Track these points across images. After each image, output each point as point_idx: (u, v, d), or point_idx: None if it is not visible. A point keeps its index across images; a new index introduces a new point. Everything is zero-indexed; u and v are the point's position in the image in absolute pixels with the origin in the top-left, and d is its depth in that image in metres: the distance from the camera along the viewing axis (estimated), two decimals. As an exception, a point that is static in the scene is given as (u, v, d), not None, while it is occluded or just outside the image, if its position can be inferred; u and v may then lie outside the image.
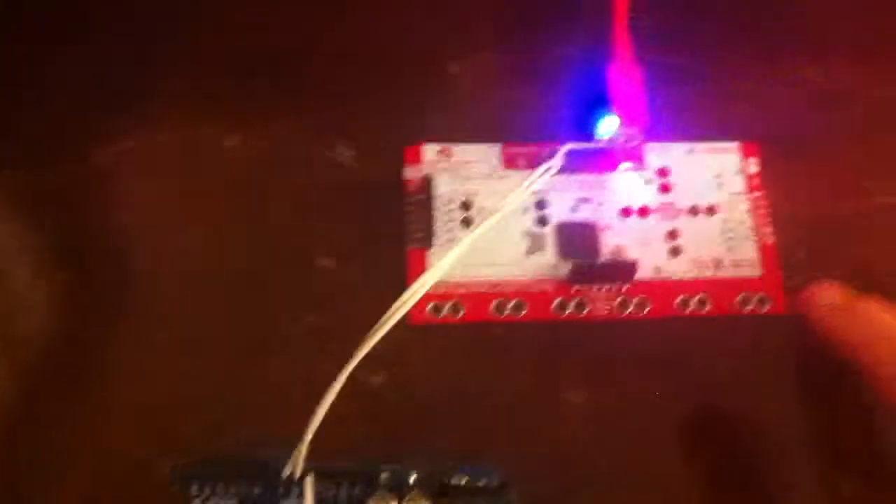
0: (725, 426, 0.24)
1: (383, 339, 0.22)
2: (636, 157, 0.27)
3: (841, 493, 0.24)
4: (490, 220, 0.22)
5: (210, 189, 0.26)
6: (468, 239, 0.22)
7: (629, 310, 0.25)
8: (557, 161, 0.25)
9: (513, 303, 0.25)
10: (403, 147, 0.27)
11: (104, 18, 0.28)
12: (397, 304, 0.22)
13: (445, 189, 0.26)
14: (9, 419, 0.24)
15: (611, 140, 0.26)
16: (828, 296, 0.23)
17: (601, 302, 0.25)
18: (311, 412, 0.21)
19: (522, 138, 0.27)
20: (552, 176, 0.26)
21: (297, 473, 0.21)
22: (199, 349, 0.24)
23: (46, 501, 0.23)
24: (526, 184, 0.23)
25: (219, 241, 0.26)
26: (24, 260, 0.25)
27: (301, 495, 0.21)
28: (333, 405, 0.21)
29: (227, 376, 0.24)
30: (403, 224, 0.26)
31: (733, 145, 0.28)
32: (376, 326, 0.21)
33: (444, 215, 0.26)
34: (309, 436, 0.20)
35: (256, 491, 0.21)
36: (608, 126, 0.26)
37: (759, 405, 0.24)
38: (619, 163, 0.27)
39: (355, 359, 0.21)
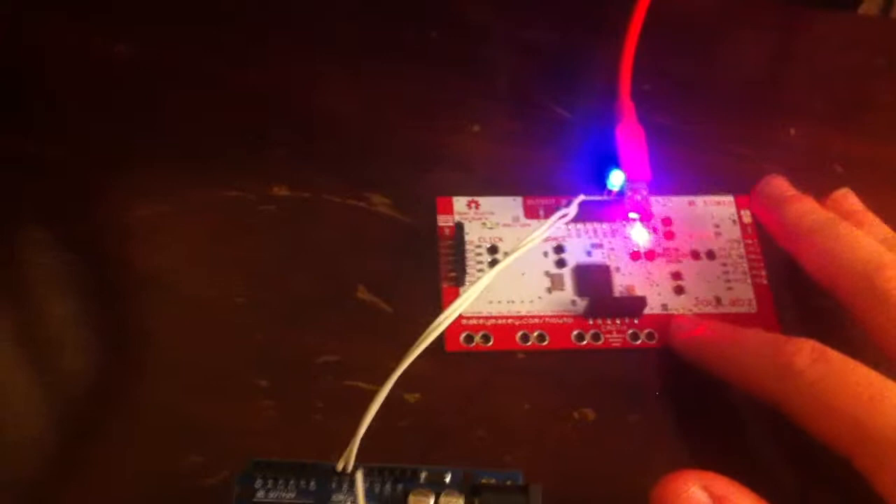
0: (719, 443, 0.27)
1: (422, 363, 0.26)
2: (643, 209, 0.30)
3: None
4: (513, 255, 0.26)
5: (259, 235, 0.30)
6: (495, 270, 0.26)
7: (640, 340, 0.28)
8: (573, 209, 0.29)
9: (536, 333, 0.28)
10: (436, 198, 0.30)
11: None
12: (432, 326, 0.25)
13: (474, 236, 0.30)
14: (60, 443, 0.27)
15: (619, 192, 0.30)
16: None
17: (614, 333, 0.28)
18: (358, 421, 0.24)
19: (541, 192, 0.31)
20: (568, 224, 0.30)
21: (349, 467, 0.23)
22: (246, 369, 0.27)
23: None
24: (545, 226, 0.27)
25: (269, 280, 0.29)
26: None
27: (351, 489, 0.23)
28: (377, 419, 0.24)
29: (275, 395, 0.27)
30: (438, 266, 0.29)
31: (729, 198, 0.31)
32: (414, 346, 0.25)
33: (474, 258, 0.29)
34: (360, 434, 0.23)
35: (312, 485, 0.24)
36: (616, 179, 0.29)
37: (751, 421, 0.27)
38: (628, 213, 0.30)
39: (396, 372, 0.24)
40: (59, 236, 0.30)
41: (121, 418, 0.27)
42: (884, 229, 0.27)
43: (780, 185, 0.30)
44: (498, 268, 0.26)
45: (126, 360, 0.28)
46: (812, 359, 0.23)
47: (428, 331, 0.24)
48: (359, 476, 0.23)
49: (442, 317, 0.24)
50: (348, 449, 0.23)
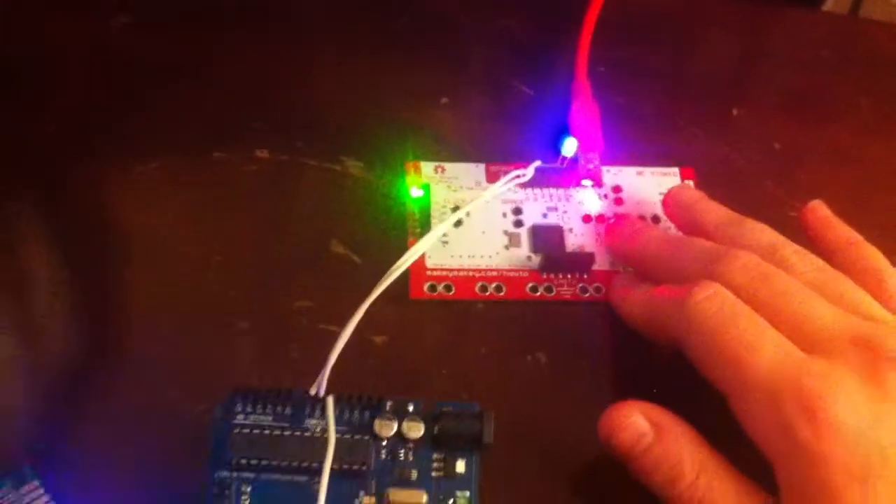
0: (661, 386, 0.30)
1: (389, 309, 0.28)
2: (595, 177, 0.33)
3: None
4: (471, 204, 0.29)
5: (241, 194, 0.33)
6: (453, 218, 0.29)
7: (588, 294, 0.31)
8: (530, 171, 0.32)
9: (494, 285, 0.31)
10: (405, 163, 0.33)
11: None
12: (394, 267, 0.28)
13: (439, 197, 0.32)
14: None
15: (573, 160, 0.33)
16: (631, 430, 0.25)
17: (566, 287, 0.31)
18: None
19: (503, 160, 0.34)
20: (526, 188, 0.32)
21: (322, 392, 0.26)
22: (225, 314, 0.30)
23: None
24: (502, 181, 0.30)
25: (250, 234, 0.32)
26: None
27: (323, 414, 0.26)
28: (344, 359, 0.26)
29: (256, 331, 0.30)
30: (405, 223, 0.32)
31: (674, 170, 0.34)
32: (378, 284, 0.27)
33: (438, 217, 0.32)
34: (331, 361, 0.26)
35: (287, 410, 0.26)
36: (569, 147, 0.32)
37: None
38: (581, 180, 0.33)
39: (364, 305, 0.26)
40: (53, 195, 0.33)
41: (105, 358, 0.29)
42: (722, 211, 0.30)
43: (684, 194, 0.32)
44: (455, 216, 0.29)
45: (111, 307, 0.30)
46: (707, 296, 0.25)
47: (390, 270, 0.27)
48: (329, 401, 0.26)
49: (402, 259, 0.27)
50: (320, 375, 0.26)
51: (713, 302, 0.25)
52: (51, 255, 0.31)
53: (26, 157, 0.33)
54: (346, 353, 0.27)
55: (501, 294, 0.31)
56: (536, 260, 0.31)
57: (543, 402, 0.29)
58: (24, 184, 0.32)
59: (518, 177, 0.31)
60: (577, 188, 0.33)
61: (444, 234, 0.31)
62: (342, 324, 0.28)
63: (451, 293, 0.31)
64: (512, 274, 0.31)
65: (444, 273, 0.31)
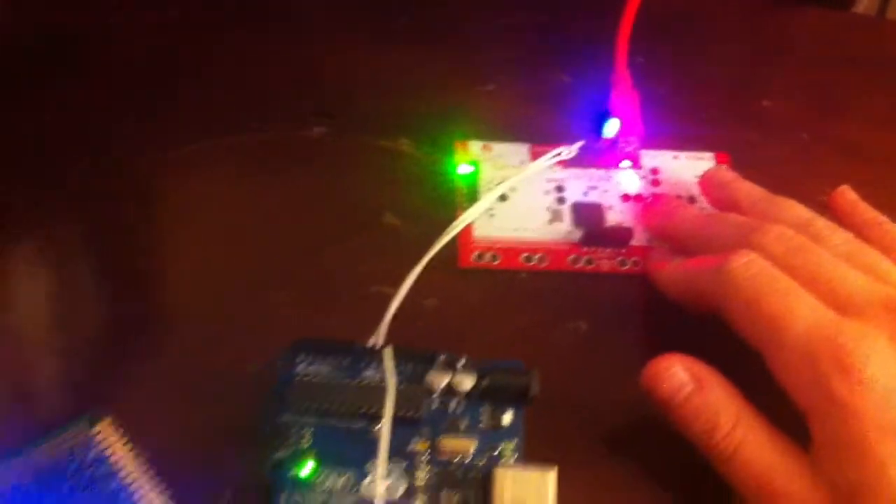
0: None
1: (439, 276, 0.30)
2: (634, 159, 0.35)
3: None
4: (516, 177, 0.31)
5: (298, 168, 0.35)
6: (497, 191, 0.31)
7: (627, 266, 0.33)
8: (574, 149, 0.33)
9: (537, 256, 0.33)
10: (455, 142, 0.35)
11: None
12: (444, 233, 0.30)
13: (486, 174, 0.34)
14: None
15: (613, 141, 0.35)
16: (672, 380, 0.27)
17: (605, 260, 0.33)
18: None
19: (545, 141, 0.35)
20: (568, 167, 0.34)
21: (380, 343, 0.28)
22: (278, 277, 0.32)
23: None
24: (547, 156, 0.32)
25: (306, 206, 0.34)
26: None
27: (380, 366, 0.28)
28: (397, 320, 0.28)
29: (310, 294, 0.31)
30: (454, 197, 0.34)
31: (709, 154, 0.36)
32: (429, 249, 0.29)
33: (486, 191, 0.34)
34: (389, 314, 0.27)
35: (346, 361, 0.28)
36: (611, 127, 0.34)
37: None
38: (620, 161, 0.35)
39: (420, 264, 0.28)
40: (98, 162, 0.35)
41: (162, 323, 0.31)
42: (756, 189, 0.31)
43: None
44: (501, 187, 0.31)
45: (166, 273, 0.32)
46: (744, 262, 0.27)
47: (440, 237, 0.29)
48: (388, 352, 0.28)
49: (452, 226, 0.29)
50: (378, 328, 0.28)
51: (750, 268, 0.27)
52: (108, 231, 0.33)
53: (76, 128, 0.35)
54: (398, 315, 0.28)
55: (544, 265, 0.32)
56: (577, 234, 0.33)
57: (584, 367, 0.31)
58: (78, 150, 0.34)
59: (561, 154, 0.33)
60: (617, 169, 0.35)
61: (492, 209, 0.33)
62: (393, 286, 0.30)
63: (496, 262, 0.32)
64: (554, 246, 0.33)
65: (491, 244, 0.33)
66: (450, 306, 0.31)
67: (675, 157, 0.36)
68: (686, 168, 0.35)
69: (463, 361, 0.28)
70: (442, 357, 0.28)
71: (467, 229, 0.32)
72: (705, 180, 0.33)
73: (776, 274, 0.27)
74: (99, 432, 0.27)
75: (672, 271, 0.31)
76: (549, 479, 0.26)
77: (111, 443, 0.26)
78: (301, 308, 0.31)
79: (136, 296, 0.32)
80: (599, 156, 0.35)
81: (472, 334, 0.31)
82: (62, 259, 0.32)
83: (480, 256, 0.32)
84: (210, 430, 0.28)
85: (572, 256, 0.33)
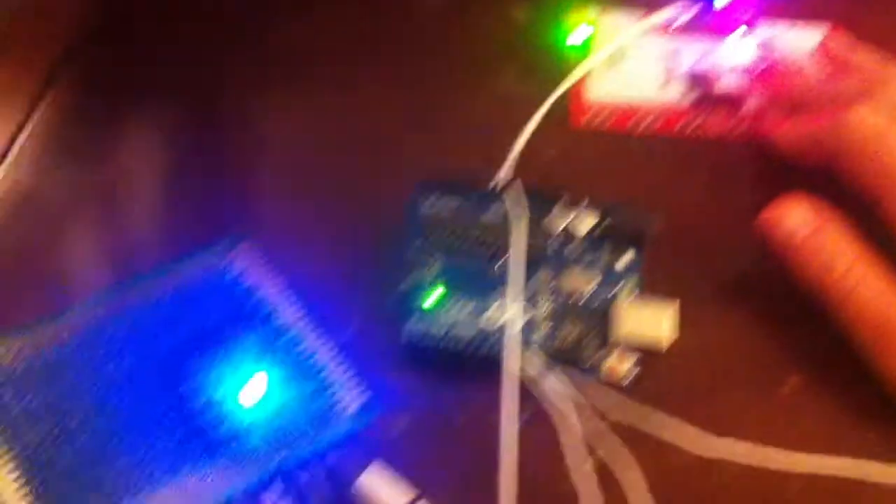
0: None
1: (554, 135, 0.31)
2: (748, 26, 0.35)
3: None
4: (630, 41, 0.32)
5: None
6: (611, 48, 0.33)
7: (739, 131, 0.33)
8: (688, 16, 0.34)
9: (649, 118, 0.33)
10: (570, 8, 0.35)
11: None
12: (558, 87, 0.31)
13: (601, 39, 0.35)
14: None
15: (728, 10, 0.35)
16: (793, 219, 0.27)
17: (717, 125, 0.33)
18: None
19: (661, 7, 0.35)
20: (683, 34, 0.34)
21: (509, 177, 0.29)
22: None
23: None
24: (660, 23, 0.33)
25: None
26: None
27: (502, 206, 0.29)
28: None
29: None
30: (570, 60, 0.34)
31: (824, 25, 0.36)
32: (545, 101, 0.31)
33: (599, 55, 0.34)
34: (511, 157, 0.28)
35: (471, 200, 0.29)
36: (723, -4, 0.34)
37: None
38: (735, 29, 0.35)
39: (536, 115, 0.29)
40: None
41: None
42: (874, 53, 0.31)
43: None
44: (615, 44, 0.32)
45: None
46: (862, 114, 0.27)
47: (555, 91, 0.30)
48: (517, 184, 0.29)
49: (566, 80, 0.31)
50: (503, 167, 0.29)
51: (868, 119, 0.27)
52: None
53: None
54: (515, 167, 0.29)
55: (656, 126, 0.33)
56: (690, 98, 0.33)
57: (700, 219, 0.31)
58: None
59: (675, 20, 0.33)
60: (731, 37, 0.35)
61: (605, 73, 0.34)
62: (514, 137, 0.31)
63: (608, 123, 0.33)
64: (666, 110, 0.33)
65: (604, 106, 0.33)
66: (564, 163, 0.32)
67: (790, 27, 0.35)
68: (801, 39, 0.35)
69: (586, 201, 0.29)
70: (565, 196, 0.29)
71: (580, 91, 0.33)
72: (823, 45, 0.33)
73: (894, 124, 0.27)
74: (239, 254, 0.28)
75: (787, 129, 0.31)
76: (668, 314, 0.27)
77: (250, 265, 0.28)
78: (427, 153, 0.32)
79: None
80: (713, 23, 0.35)
81: (586, 188, 0.32)
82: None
83: (593, 118, 0.33)
84: (345, 265, 0.30)
85: (684, 121, 0.33)
